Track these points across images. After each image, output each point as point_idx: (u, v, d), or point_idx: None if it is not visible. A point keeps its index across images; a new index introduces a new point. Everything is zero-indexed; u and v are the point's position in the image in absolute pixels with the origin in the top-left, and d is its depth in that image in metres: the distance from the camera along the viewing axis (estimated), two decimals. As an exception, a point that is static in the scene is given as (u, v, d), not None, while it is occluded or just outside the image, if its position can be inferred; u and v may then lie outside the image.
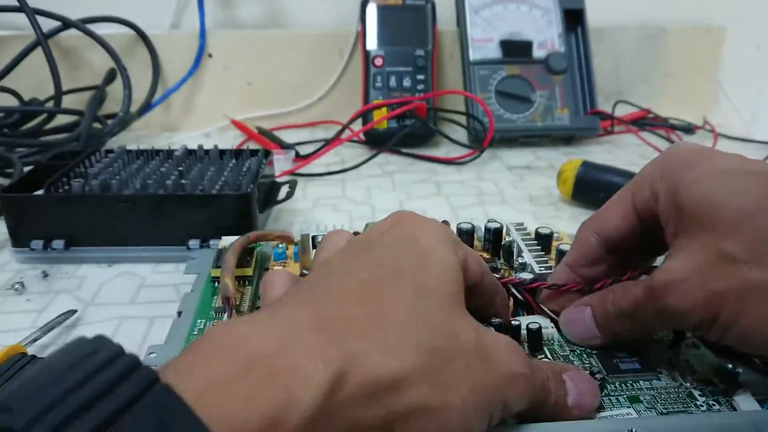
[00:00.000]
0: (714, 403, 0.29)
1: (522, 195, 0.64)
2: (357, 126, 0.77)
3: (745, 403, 0.29)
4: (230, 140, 0.81)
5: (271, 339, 0.19)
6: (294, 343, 0.19)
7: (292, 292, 0.25)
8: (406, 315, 0.22)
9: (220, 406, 0.17)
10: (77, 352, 0.17)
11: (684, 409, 0.29)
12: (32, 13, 0.72)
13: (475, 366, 0.23)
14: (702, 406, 0.29)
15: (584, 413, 0.28)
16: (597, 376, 0.30)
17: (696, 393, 0.30)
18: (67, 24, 0.76)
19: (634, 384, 0.31)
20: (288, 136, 0.81)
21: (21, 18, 0.73)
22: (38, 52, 0.73)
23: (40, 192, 0.49)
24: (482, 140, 0.74)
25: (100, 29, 0.79)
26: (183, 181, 0.50)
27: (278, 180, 0.60)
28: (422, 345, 0.22)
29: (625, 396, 0.30)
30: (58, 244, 0.48)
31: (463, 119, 0.80)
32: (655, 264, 0.36)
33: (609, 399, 0.30)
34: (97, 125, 0.74)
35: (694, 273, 0.27)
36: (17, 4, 0.72)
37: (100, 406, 0.16)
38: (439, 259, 0.26)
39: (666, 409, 0.29)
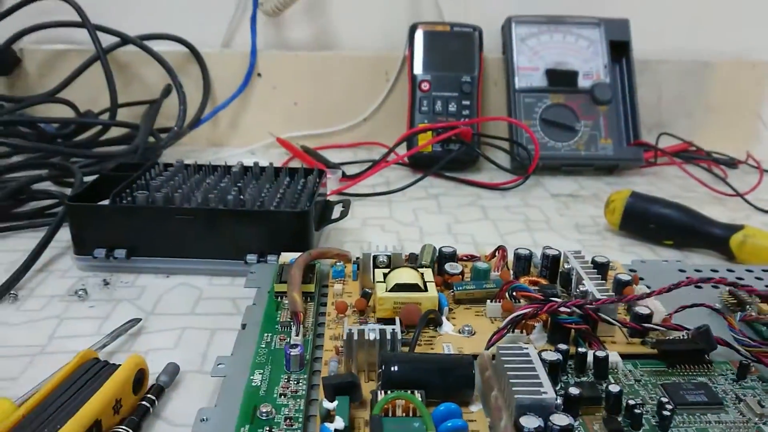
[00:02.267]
0: None
1: (568, 223, 0.65)
2: (401, 149, 0.79)
3: None
4: (274, 158, 0.83)
5: None
6: None
7: None
8: None
9: None
10: None
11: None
12: (93, 29, 0.75)
13: None
14: None
15: None
16: (667, 406, 0.30)
17: (766, 429, 0.30)
18: (125, 40, 0.79)
19: (702, 417, 0.31)
20: (331, 156, 0.82)
21: (79, 33, 0.76)
22: (95, 66, 0.76)
23: (105, 202, 0.51)
24: (526, 167, 0.75)
25: (155, 46, 0.82)
26: (243, 197, 0.51)
27: (330, 199, 0.61)
28: None
29: (694, 428, 0.30)
30: (120, 253, 0.49)
31: (506, 145, 0.81)
32: None
33: (678, 430, 0.30)
34: (150, 139, 0.76)
35: None
36: (79, 20, 0.75)
37: None
38: None
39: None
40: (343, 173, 0.74)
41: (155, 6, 0.86)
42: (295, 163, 0.80)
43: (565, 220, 0.65)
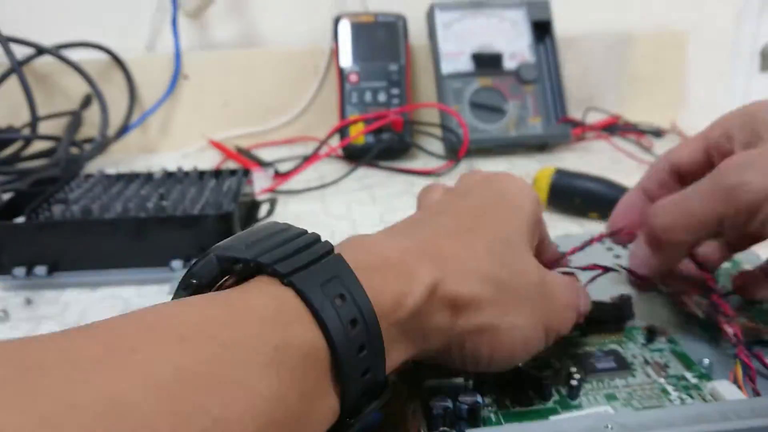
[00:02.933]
0: (687, 396, 0.31)
1: (499, 203, 0.66)
2: (335, 142, 0.78)
3: (723, 389, 0.30)
4: (209, 160, 0.82)
5: (395, 251, 0.26)
6: (410, 258, 0.26)
7: (403, 228, 0.30)
8: (487, 255, 0.28)
9: (366, 281, 0.24)
10: (277, 226, 0.25)
11: (659, 404, 0.30)
12: (5, 41, 0.73)
13: (536, 298, 0.29)
14: (675, 400, 0.31)
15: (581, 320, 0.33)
16: (575, 376, 0.31)
17: (669, 388, 0.31)
18: (40, 50, 0.77)
19: (611, 382, 0.32)
20: (267, 154, 0.82)
21: (-6, 46, 0.74)
22: (12, 79, 0.74)
23: (21, 219, 0.50)
24: (458, 151, 0.76)
25: (74, 54, 0.80)
26: (164, 203, 0.51)
27: (258, 198, 0.61)
28: (496, 279, 0.28)
29: (602, 394, 0.31)
30: (40, 270, 0.48)
31: (438, 131, 0.82)
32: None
33: (587, 398, 0.31)
34: (74, 150, 0.75)
35: None
36: (-10, 32, 0.73)
37: (299, 257, 0.23)
38: (523, 214, 0.31)
39: (641, 404, 0.30)
40: (276, 171, 0.73)
41: (73, 14, 0.84)
42: (231, 165, 0.79)
43: (495, 201, 0.66)
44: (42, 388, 0.16)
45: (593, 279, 0.37)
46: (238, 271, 0.24)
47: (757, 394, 0.30)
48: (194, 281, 0.24)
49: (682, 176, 0.37)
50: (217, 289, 0.24)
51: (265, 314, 0.21)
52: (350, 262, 0.24)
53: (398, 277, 0.25)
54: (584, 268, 0.36)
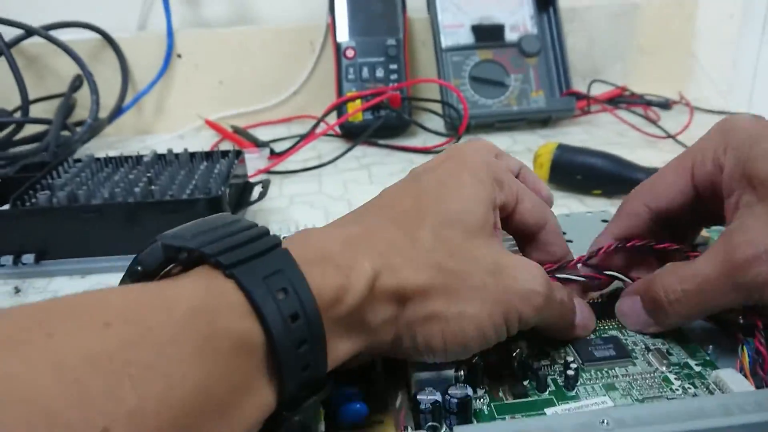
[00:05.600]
0: (690, 386, 0.29)
1: (499, 181, 0.64)
2: (332, 120, 0.77)
3: (728, 378, 0.28)
4: (205, 141, 0.80)
5: (337, 243, 0.26)
6: (351, 250, 0.25)
7: (357, 215, 0.30)
8: (433, 241, 0.27)
9: (308, 275, 0.23)
10: (227, 218, 0.25)
11: (660, 394, 0.29)
12: (-8, 23, 0.71)
13: (490, 284, 0.27)
14: (677, 390, 0.29)
15: (586, 334, 0.33)
16: (572, 365, 0.29)
17: (672, 377, 0.30)
18: (29, 32, 0.75)
19: (610, 371, 0.31)
20: (264, 133, 0.80)
21: (-19, 28, 0.72)
22: (2, 62, 0.72)
23: (5, 207, 0.48)
24: (458, 127, 0.74)
25: (64, 35, 0.78)
26: (152, 187, 0.49)
27: (252, 180, 0.59)
28: (442, 266, 0.27)
29: (600, 384, 0.30)
30: (28, 258, 0.47)
31: (438, 107, 0.80)
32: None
33: (584, 388, 0.30)
34: (66, 133, 0.73)
35: None
36: (-24, 14, 0.71)
37: (245, 249, 0.23)
38: (470, 194, 0.29)
39: (641, 395, 0.29)
40: (272, 151, 0.72)
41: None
42: (226, 145, 0.78)
43: (496, 179, 0.64)
44: None
45: (603, 290, 0.36)
46: (183, 261, 0.23)
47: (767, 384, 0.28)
48: (139, 268, 0.23)
49: (668, 219, 0.34)
50: (162, 278, 0.24)
51: (196, 303, 0.21)
52: (296, 256, 0.23)
53: (338, 270, 0.24)
54: (585, 276, 0.34)
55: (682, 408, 0.24)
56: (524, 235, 0.33)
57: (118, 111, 0.80)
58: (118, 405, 0.17)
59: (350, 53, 0.78)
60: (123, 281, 0.24)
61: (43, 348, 0.17)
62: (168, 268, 0.24)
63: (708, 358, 0.31)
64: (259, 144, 0.75)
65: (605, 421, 0.24)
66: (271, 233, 0.24)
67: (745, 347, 0.29)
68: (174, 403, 0.18)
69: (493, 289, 0.27)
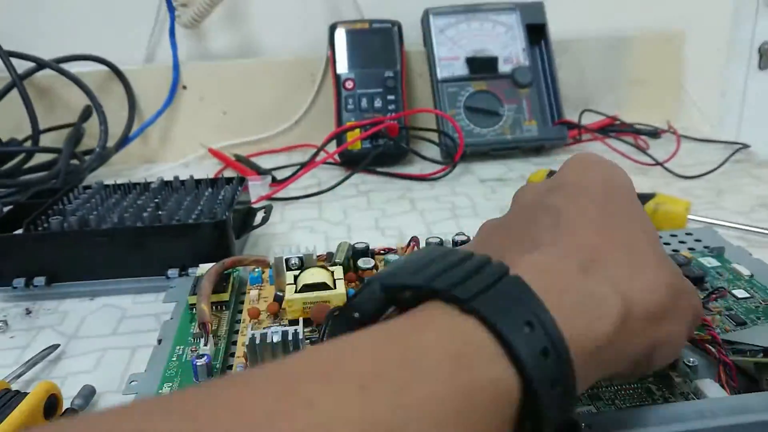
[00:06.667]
0: (671, 396, 0.31)
1: (494, 207, 0.66)
2: (332, 148, 0.79)
3: (706, 387, 0.30)
4: (209, 169, 0.83)
5: (572, 270, 0.23)
6: (590, 279, 0.23)
7: (536, 235, 0.26)
8: (656, 259, 0.26)
9: (550, 305, 0.21)
10: (440, 250, 0.23)
11: (640, 404, 0.31)
12: (6, 56, 0.74)
13: (690, 303, 0.27)
14: (658, 400, 0.31)
15: None
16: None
17: (653, 388, 0.32)
18: (41, 65, 0.78)
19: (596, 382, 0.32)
20: (266, 162, 0.83)
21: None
22: (14, 93, 0.75)
23: (19, 231, 0.51)
24: (454, 155, 0.76)
25: (74, 68, 0.81)
26: (160, 213, 0.51)
27: (254, 206, 0.61)
28: (670, 285, 0.26)
29: (585, 394, 0.31)
30: (39, 281, 0.49)
31: (435, 136, 0.82)
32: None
33: (571, 398, 0.31)
34: (75, 162, 0.76)
35: None
36: (-9, 47, 0.74)
37: (474, 281, 0.21)
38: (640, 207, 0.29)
39: (624, 404, 0.31)
40: (273, 178, 0.74)
41: (72, 28, 0.85)
42: (229, 173, 0.80)
43: (491, 205, 0.67)
44: None
45: None
46: (405, 300, 0.22)
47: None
48: (356, 315, 0.22)
49: None
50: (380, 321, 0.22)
51: (447, 352, 0.19)
52: (528, 281, 0.21)
53: (582, 298, 0.22)
54: None
55: (658, 413, 0.26)
56: None
57: (125, 140, 0.83)
58: None
59: (349, 84, 0.81)
60: (336, 330, 0.22)
61: (309, 420, 0.16)
62: (388, 311, 0.22)
63: (688, 370, 0.33)
64: (261, 172, 0.77)
65: (583, 424, 0.26)
66: (493, 262, 0.22)
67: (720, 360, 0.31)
68: None
69: (690, 308, 0.27)
